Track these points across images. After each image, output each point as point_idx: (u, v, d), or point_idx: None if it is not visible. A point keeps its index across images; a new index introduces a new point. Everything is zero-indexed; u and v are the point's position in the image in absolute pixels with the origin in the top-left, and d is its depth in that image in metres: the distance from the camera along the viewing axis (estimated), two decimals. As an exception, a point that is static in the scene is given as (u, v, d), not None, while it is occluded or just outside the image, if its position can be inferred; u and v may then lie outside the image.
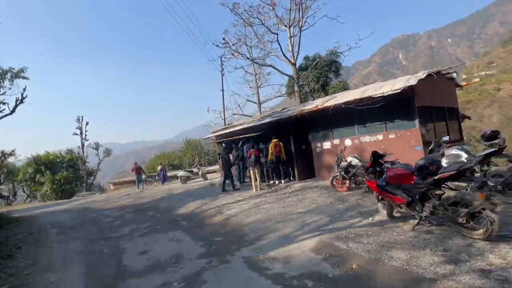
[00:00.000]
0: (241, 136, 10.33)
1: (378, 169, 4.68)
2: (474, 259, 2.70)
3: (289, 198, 6.82)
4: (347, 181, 6.41)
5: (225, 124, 17.71)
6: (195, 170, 14.35)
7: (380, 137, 6.88)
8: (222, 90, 18.87)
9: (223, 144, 10.73)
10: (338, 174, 6.56)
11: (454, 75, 7.78)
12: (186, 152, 27.14)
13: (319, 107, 7.71)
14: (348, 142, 7.57)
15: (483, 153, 4.04)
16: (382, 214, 4.28)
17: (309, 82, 19.63)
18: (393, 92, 6.01)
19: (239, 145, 10.11)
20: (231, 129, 11.50)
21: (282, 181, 8.88)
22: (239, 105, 21.22)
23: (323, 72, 19.66)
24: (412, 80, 5.96)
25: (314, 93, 19.85)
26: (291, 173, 9.25)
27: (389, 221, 4.08)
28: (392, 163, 4.64)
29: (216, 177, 13.87)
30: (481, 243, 2.98)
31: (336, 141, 7.90)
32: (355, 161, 6.16)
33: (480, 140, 4.74)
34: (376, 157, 4.75)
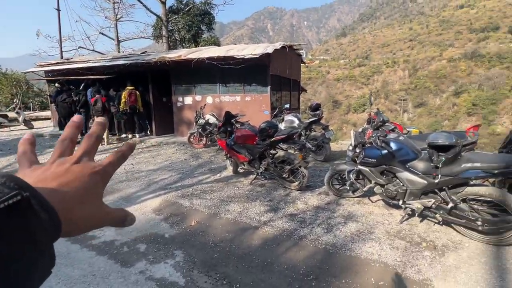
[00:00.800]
0: (85, 77, 8.20)
1: (229, 129, 4.89)
2: (288, 206, 3.33)
3: (141, 154, 6.20)
4: (204, 139, 6.47)
5: (61, 57, 13.59)
6: (11, 114, 10.46)
7: (238, 98, 7.22)
8: (58, 9, 13.97)
9: (57, 84, 8.21)
10: (195, 131, 6.48)
11: (302, 52, 9.06)
12: (1, 88, 19.38)
13: (182, 57, 7.10)
14: (209, 99, 7.52)
15: (308, 121, 4.97)
16: (229, 171, 4.58)
17: (180, 29, 17.87)
18: (253, 56, 6.28)
19: (82, 87, 8.03)
20: (71, 66, 8.90)
21: (137, 135, 7.96)
22: (88, 38, 16.76)
23: (196, 21, 18.29)
24: (270, 49, 6.41)
25: (185, 43, 18.38)
26: (148, 127, 8.41)
27: (233, 177, 4.42)
28: (242, 124, 4.96)
29: (48, 126, 10.80)
30: (295, 192, 3.72)
31: (198, 98, 7.69)
32: (212, 119, 6.23)
33: (308, 110, 5.84)
34: (229, 117, 4.93)
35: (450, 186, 2.54)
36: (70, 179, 0.30)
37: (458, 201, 2.49)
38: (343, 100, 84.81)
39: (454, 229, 2.64)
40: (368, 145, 3.00)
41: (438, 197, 2.61)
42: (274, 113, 6.22)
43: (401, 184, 2.80)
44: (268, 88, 6.83)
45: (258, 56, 6.22)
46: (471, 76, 70.22)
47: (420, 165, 2.68)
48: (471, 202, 2.45)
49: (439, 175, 2.50)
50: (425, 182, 2.59)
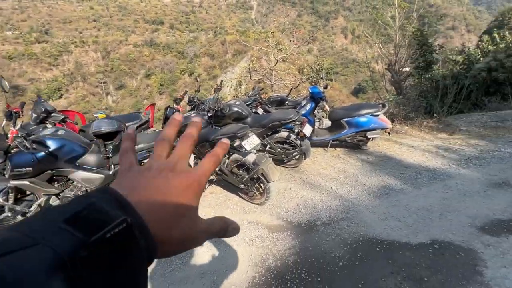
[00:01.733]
0: None
1: None
2: None
3: None
4: None
5: None
6: None
7: None
8: None
9: None
10: None
11: None
12: None
13: None
14: None
15: None
16: None
17: None
18: None
19: None
20: None
21: None
22: None
23: None
24: None
25: None
26: None
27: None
28: None
29: None
30: None
31: None
32: None
33: None
34: None
35: None
36: (167, 192, 0.28)
37: None
38: (27, 85, 65.88)
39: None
40: (15, 150, 2.26)
41: None
42: None
43: (79, 186, 2.45)
44: None
45: None
46: (154, 61, 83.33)
47: (91, 159, 2.47)
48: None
49: (113, 165, 2.45)
50: (102, 176, 2.45)
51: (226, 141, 0.37)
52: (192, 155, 2.92)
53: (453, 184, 3.34)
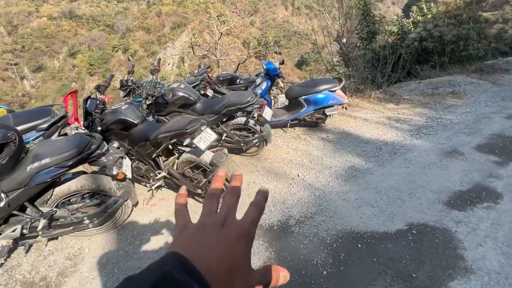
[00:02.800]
0: None
1: None
2: None
3: None
4: None
5: None
6: None
7: None
8: None
9: None
10: None
11: None
12: None
13: None
14: None
15: None
16: None
17: None
18: None
19: None
20: None
21: None
22: None
23: None
24: None
25: None
26: None
27: None
28: None
29: None
30: None
31: None
32: None
33: None
34: None
35: (30, 199, 1.82)
36: (222, 248, 0.30)
37: (52, 210, 1.89)
38: None
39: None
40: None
41: (25, 217, 1.83)
42: None
43: None
44: None
45: None
46: (77, 36, 71.43)
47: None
48: (70, 201, 2.00)
49: (2, 195, 1.67)
50: None
51: (265, 189, 0.37)
52: (128, 159, 2.24)
53: (412, 157, 3.33)
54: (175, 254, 0.28)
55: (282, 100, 5.27)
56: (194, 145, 2.18)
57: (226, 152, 2.43)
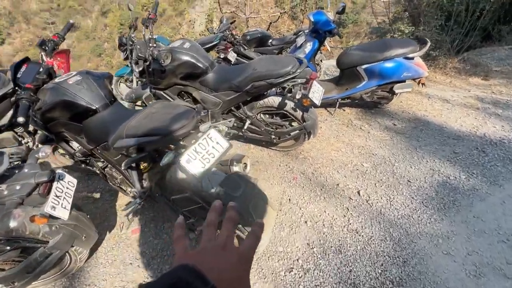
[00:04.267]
0: None
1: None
2: None
3: None
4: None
5: None
6: None
7: None
8: None
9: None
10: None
11: None
12: None
13: None
14: None
15: None
16: None
17: None
18: None
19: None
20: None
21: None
22: None
23: None
24: None
25: None
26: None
27: None
28: None
29: None
30: None
31: None
32: None
33: None
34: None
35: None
36: (225, 265, 0.33)
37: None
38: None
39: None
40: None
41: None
42: None
43: None
44: None
45: None
46: (108, -6, 69.67)
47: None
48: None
49: None
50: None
51: (261, 221, 0.40)
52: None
53: (546, 173, 2.03)
54: (185, 265, 0.30)
55: (328, 67, 3.94)
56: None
57: (243, 157, 1.39)
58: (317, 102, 1.98)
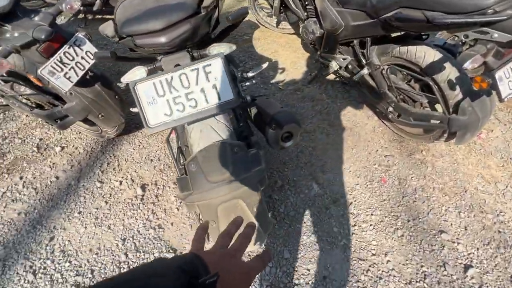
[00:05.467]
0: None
1: None
2: None
3: None
4: None
5: None
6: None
7: None
8: None
9: None
10: None
11: None
12: None
13: None
14: None
15: None
16: None
17: None
18: None
19: None
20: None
21: None
22: None
23: None
24: None
25: None
26: None
27: None
28: None
29: None
30: None
31: None
32: None
33: None
34: None
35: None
36: (228, 271, 0.34)
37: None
38: None
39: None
40: None
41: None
42: None
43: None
44: None
45: None
46: None
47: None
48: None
49: None
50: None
51: (269, 252, 0.45)
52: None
53: None
54: (197, 254, 0.34)
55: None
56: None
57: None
58: (506, 93, 0.95)
